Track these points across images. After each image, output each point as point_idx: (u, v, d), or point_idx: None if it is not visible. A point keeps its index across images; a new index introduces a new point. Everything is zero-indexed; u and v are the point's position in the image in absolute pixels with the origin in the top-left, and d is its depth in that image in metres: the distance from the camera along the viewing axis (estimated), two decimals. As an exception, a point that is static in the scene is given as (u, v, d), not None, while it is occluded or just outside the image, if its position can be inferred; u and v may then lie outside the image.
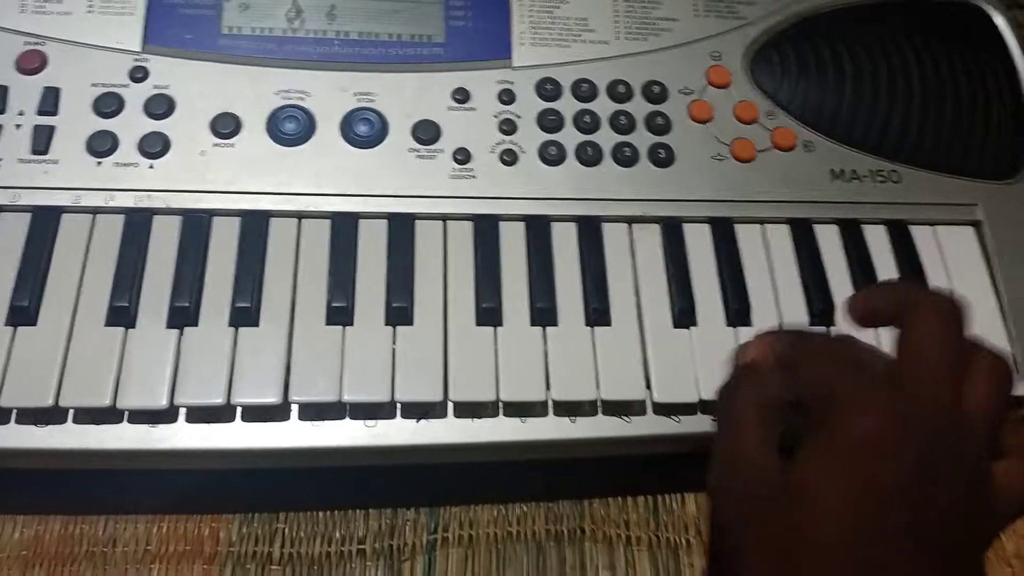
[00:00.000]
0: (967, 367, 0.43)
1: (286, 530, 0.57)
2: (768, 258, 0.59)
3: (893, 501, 0.39)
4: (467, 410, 0.53)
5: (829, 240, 0.60)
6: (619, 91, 0.62)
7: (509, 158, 0.59)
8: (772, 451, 0.43)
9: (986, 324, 0.58)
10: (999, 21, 0.69)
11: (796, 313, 0.57)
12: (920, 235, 0.61)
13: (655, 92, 0.63)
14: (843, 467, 0.40)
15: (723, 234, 0.59)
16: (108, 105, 0.58)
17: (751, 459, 0.43)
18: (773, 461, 0.42)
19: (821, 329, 0.57)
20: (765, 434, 0.43)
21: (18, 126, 0.57)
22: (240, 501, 0.57)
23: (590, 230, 0.58)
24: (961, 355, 0.43)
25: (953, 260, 0.61)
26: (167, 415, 0.51)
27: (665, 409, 0.54)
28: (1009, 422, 0.44)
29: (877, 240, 0.61)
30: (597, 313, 0.55)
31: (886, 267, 0.60)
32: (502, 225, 0.58)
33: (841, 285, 0.58)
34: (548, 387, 0.53)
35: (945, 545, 0.39)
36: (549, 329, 0.55)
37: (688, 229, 0.59)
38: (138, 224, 0.55)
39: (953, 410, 0.41)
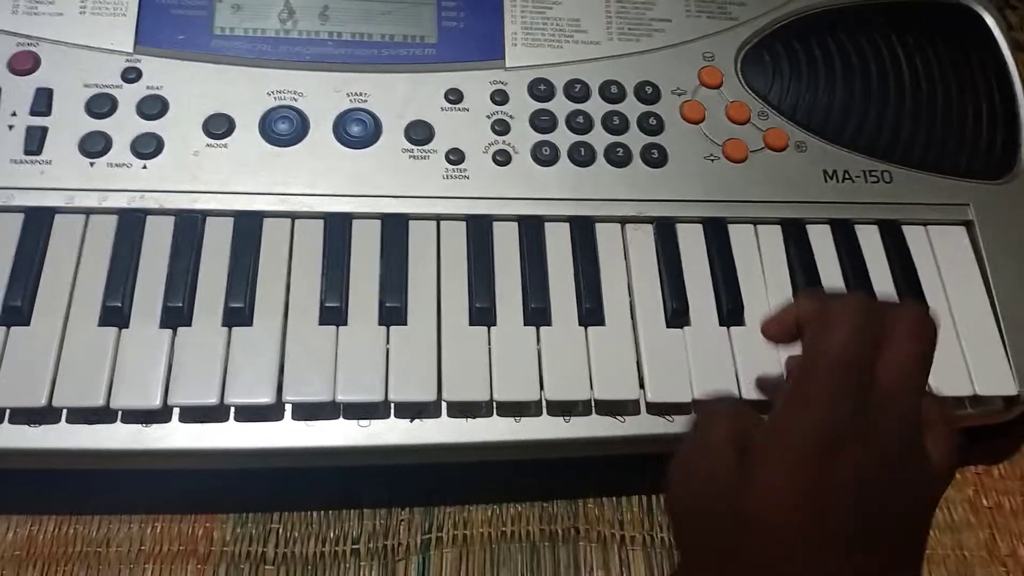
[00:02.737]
0: (883, 335, 0.41)
1: (280, 530, 0.56)
2: (761, 258, 0.59)
3: (846, 499, 0.39)
4: (461, 410, 0.53)
5: (821, 240, 0.60)
6: (612, 92, 0.63)
7: (502, 158, 0.60)
8: (739, 447, 0.42)
9: (978, 322, 0.59)
10: (990, 21, 0.69)
11: (789, 312, 0.57)
12: (912, 235, 0.62)
13: (648, 93, 0.63)
14: (791, 467, 0.39)
15: (716, 234, 0.59)
16: (101, 106, 0.58)
17: (717, 451, 0.43)
18: (738, 457, 0.42)
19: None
20: (737, 430, 0.43)
21: (11, 127, 0.57)
22: (234, 501, 0.57)
23: (583, 230, 0.59)
24: (870, 333, 0.42)
25: (945, 260, 0.61)
26: (160, 415, 0.51)
27: (659, 409, 0.54)
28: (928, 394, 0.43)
29: (869, 240, 0.61)
30: (590, 313, 0.56)
31: (878, 267, 0.60)
32: (495, 225, 0.58)
33: (834, 285, 0.59)
34: (542, 387, 0.53)
35: (889, 540, 0.40)
36: (543, 329, 0.55)
37: (681, 229, 0.60)
38: (131, 224, 0.55)
39: (868, 398, 0.40)
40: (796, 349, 0.44)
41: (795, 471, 0.39)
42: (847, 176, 0.62)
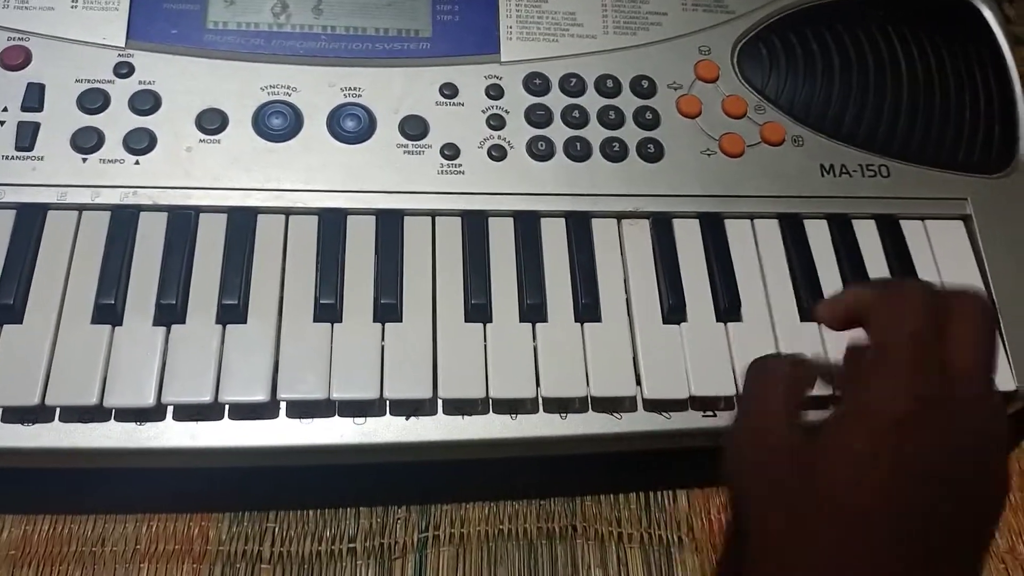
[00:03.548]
0: (947, 322, 0.42)
1: (276, 529, 0.56)
2: (758, 253, 0.59)
3: (916, 486, 0.39)
4: (457, 407, 0.53)
5: (819, 235, 0.60)
6: (607, 86, 0.62)
7: (497, 153, 0.59)
8: (796, 412, 0.43)
9: (976, 318, 0.58)
10: (988, 15, 0.68)
11: (786, 308, 0.57)
12: (910, 229, 0.61)
13: (643, 87, 0.62)
14: (868, 444, 0.39)
15: (713, 229, 0.59)
16: (93, 101, 0.57)
17: (775, 423, 0.42)
18: (796, 428, 0.42)
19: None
20: (792, 396, 0.43)
21: (2, 123, 0.56)
22: (230, 500, 0.57)
23: (579, 226, 0.58)
24: (935, 318, 0.42)
25: (942, 254, 0.61)
26: (154, 413, 0.50)
27: (655, 405, 0.54)
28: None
29: (867, 235, 0.61)
30: (587, 309, 0.55)
31: (876, 262, 0.60)
32: (491, 221, 0.58)
33: (831, 280, 0.58)
34: (538, 384, 0.53)
35: (969, 515, 0.39)
36: (539, 325, 0.54)
37: (678, 224, 0.59)
38: (124, 221, 0.55)
39: (942, 383, 0.40)
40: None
41: (877, 446, 0.39)
42: (844, 170, 0.62)
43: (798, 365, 0.46)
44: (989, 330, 0.43)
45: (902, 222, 0.61)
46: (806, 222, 0.60)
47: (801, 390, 0.44)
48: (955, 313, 0.42)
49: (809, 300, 0.57)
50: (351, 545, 0.56)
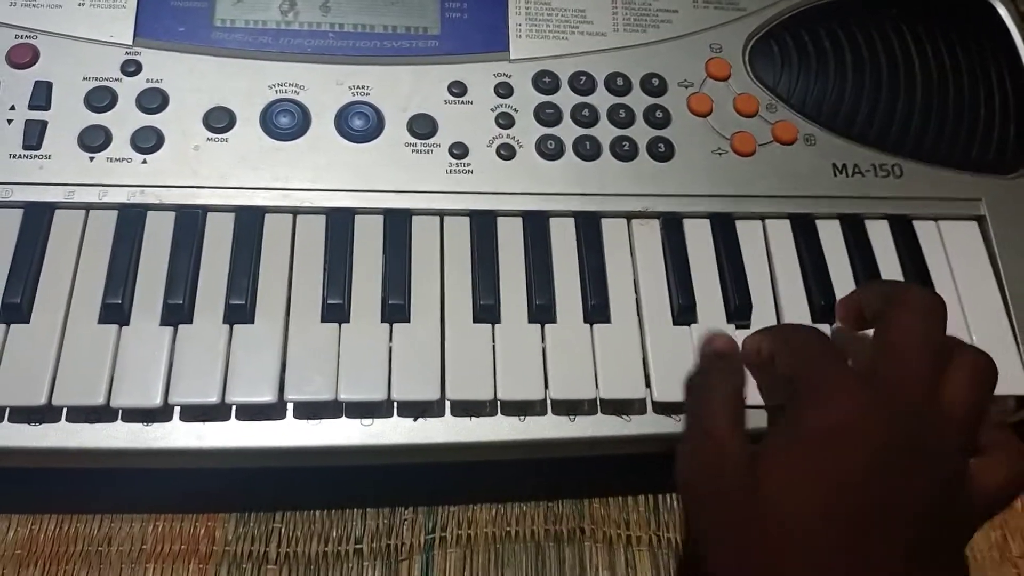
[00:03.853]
0: (949, 362, 0.43)
1: (282, 529, 0.56)
2: (769, 254, 0.58)
3: (855, 494, 0.39)
4: (465, 409, 0.52)
5: (831, 235, 0.59)
6: (617, 84, 0.62)
7: (507, 152, 0.59)
8: (740, 438, 0.44)
9: (990, 319, 0.58)
10: (1003, 12, 0.68)
11: (798, 309, 0.57)
12: (923, 230, 0.61)
13: (654, 85, 0.62)
14: (803, 457, 0.40)
15: (724, 229, 0.59)
16: (100, 99, 0.57)
17: (720, 442, 0.44)
18: (741, 449, 0.43)
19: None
20: (734, 421, 0.45)
21: (9, 121, 0.56)
22: (236, 500, 0.56)
23: (589, 226, 0.58)
24: (942, 350, 0.44)
25: (956, 255, 0.60)
26: (161, 414, 0.50)
27: (665, 408, 0.53)
28: (989, 420, 0.44)
29: (880, 235, 0.60)
30: (596, 310, 0.55)
31: (889, 262, 0.59)
32: (500, 221, 0.57)
33: (843, 281, 0.58)
34: (547, 386, 0.52)
35: (919, 540, 0.39)
36: (548, 326, 0.54)
37: (688, 224, 0.59)
38: (131, 220, 0.54)
39: (928, 404, 0.42)
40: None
41: (825, 489, 0.39)
42: (857, 170, 0.61)
43: (738, 376, 0.47)
44: (987, 389, 0.44)
45: (915, 223, 0.61)
46: (818, 222, 0.60)
47: (743, 403, 0.46)
48: (963, 363, 0.44)
49: (821, 302, 0.56)
50: (358, 546, 0.56)
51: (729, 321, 0.56)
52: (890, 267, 0.59)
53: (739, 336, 0.55)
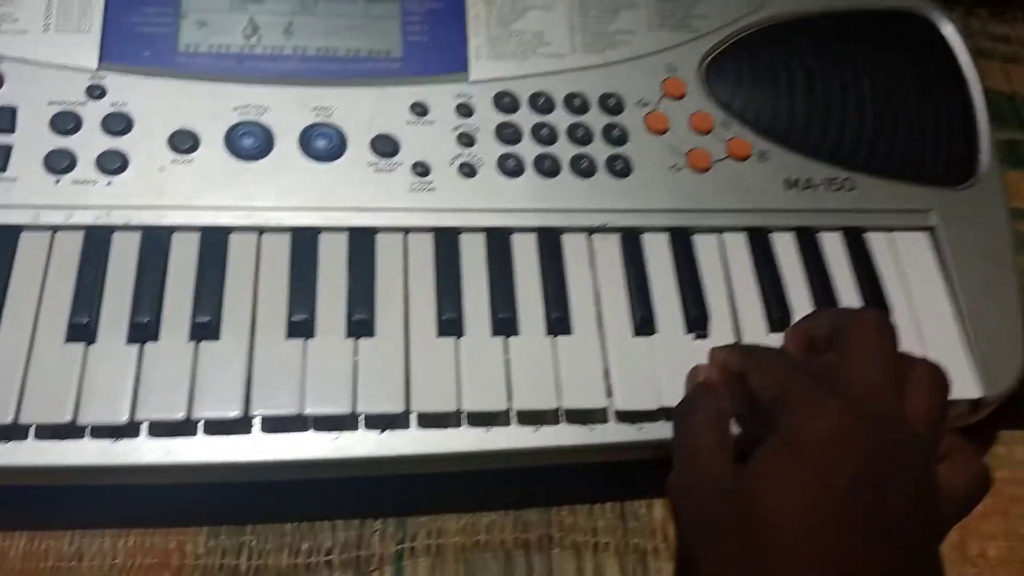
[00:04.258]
0: (905, 378, 0.45)
1: (253, 542, 0.56)
2: (726, 266, 0.60)
3: (846, 499, 0.40)
4: (430, 421, 0.53)
5: (785, 248, 0.61)
6: (576, 103, 0.63)
7: (468, 171, 0.60)
8: (727, 455, 0.46)
9: (941, 327, 0.59)
10: (947, 30, 0.70)
11: (754, 320, 0.58)
12: (875, 241, 0.62)
13: (612, 104, 0.63)
14: (795, 466, 0.42)
15: (681, 243, 0.60)
16: (66, 123, 0.58)
17: (706, 463, 0.46)
18: (727, 464, 0.45)
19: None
20: (719, 440, 0.47)
21: (-26, 145, 0.56)
22: (206, 514, 0.56)
23: (550, 241, 0.59)
24: (897, 367, 0.46)
25: (908, 265, 0.62)
26: (129, 430, 0.50)
27: (627, 416, 0.54)
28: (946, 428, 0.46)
29: (833, 247, 0.62)
30: (558, 322, 0.56)
31: (842, 273, 0.61)
32: (462, 237, 0.58)
33: (798, 292, 0.59)
34: (510, 396, 0.53)
35: (899, 544, 0.41)
36: (511, 339, 0.55)
37: (647, 239, 0.60)
38: (97, 241, 0.55)
39: (899, 416, 0.44)
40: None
41: (815, 496, 0.41)
42: (810, 184, 0.63)
43: (721, 400, 0.50)
44: (944, 398, 0.46)
45: (868, 234, 0.62)
46: (773, 235, 0.61)
47: (727, 424, 0.48)
48: (919, 375, 0.46)
49: (776, 313, 0.58)
50: (328, 558, 0.56)
51: (688, 332, 0.57)
52: (843, 278, 0.60)
53: (697, 347, 0.56)
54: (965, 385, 0.58)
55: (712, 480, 0.45)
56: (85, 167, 0.57)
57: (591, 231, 0.60)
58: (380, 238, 0.57)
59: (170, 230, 0.56)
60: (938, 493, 0.44)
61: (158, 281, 0.54)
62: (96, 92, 0.59)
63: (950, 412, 0.57)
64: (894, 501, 0.41)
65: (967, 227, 0.63)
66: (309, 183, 0.58)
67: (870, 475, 0.41)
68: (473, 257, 0.58)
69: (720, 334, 0.57)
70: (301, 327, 0.53)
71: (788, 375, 0.46)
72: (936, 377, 0.47)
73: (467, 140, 0.61)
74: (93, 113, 0.58)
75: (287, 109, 0.60)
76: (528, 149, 0.61)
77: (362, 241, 0.57)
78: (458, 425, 0.53)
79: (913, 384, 0.45)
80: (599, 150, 0.62)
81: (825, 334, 0.50)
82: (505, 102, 0.62)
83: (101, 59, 0.60)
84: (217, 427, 0.51)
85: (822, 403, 0.42)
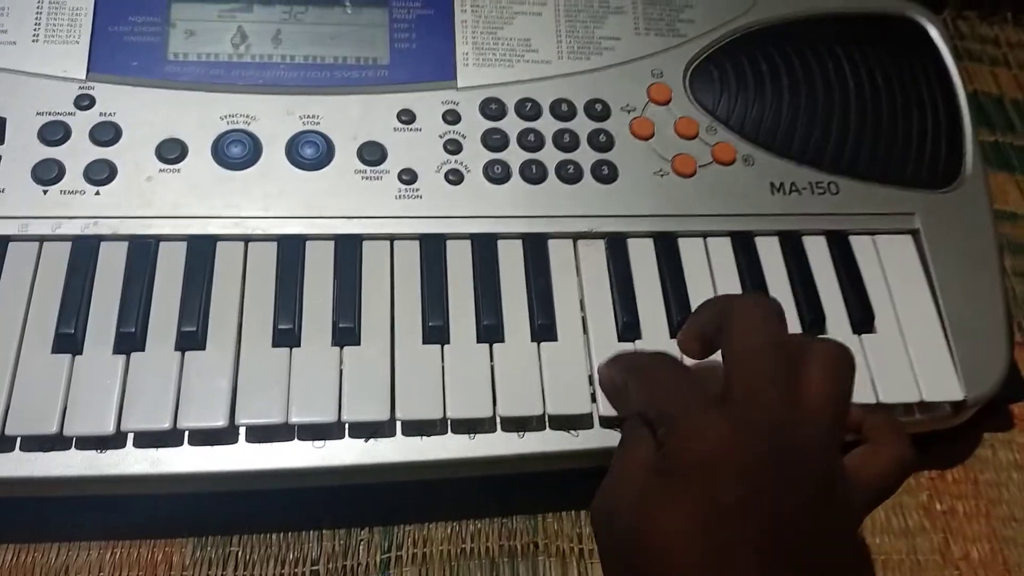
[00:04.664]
0: (800, 361, 0.43)
1: (239, 553, 0.57)
2: (710, 271, 0.60)
3: (736, 519, 0.39)
4: (415, 428, 0.53)
5: (770, 251, 0.61)
6: (562, 110, 0.63)
7: (455, 177, 0.60)
8: (650, 473, 0.43)
9: (924, 330, 0.60)
10: (933, 33, 0.70)
11: (739, 324, 0.58)
12: (859, 244, 0.63)
13: (598, 110, 0.64)
14: (680, 492, 0.40)
15: (666, 248, 0.60)
16: (54, 133, 0.58)
17: (632, 474, 0.43)
18: (648, 479, 0.43)
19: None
20: (651, 459, 0.44)
21: (-37, 157, 0.57)
22: (193, 525, 0.57)
23: (536, 247, 0.59)
24: (789, 348, 0.44)
25: (892, 269, 0.62)
26: (115, 441, 0.51)
27: (611, 422, 0.54)
28: (864, 410, 0.46)
29: (817, 250, 0.62)
30: (543, 329, 0.56)
31: (826, 277, 0.61)
32: (448, 244, 0.59)
33: (782, 295, 0.59)
34: (495, 403, 0.54)
35: (801, 551, 0.39)
36: (496, 346, 0.55)
37: (632, 244, 0.60)
38: (85, 251, 0.55)
39: (790, 410, 0.42)
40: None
41: (706, 520, 0.39)
42: (794, 188, 0.63)
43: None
44: (845, 378, 0.44)
45: (851, 238, 0.63)
46: (757, 239, 0.62)
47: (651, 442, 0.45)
48: (814, 357, 0.44)
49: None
50: (314, 567, 0.56)
51: (673, 337, 0.57)
52: (827, 281, 0.61)
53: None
54: (948, 387, 0.58)
55: (625, 494, 0.43)
56: (73, 177, 0.57)
57: (577, 237, 0.60)
58: (366, 245, 0.58)
59: (157, 240, 0.56)
60: (851, 480, 0.43)
61: (145, 291, 0.54)
62: (84, 102, 0.60)
63: (933, 413, 0.58)
64: (792, 508, 0.39)
65: (951, 230, 0.63)
66: (296, 191, 0.58)
67: (760, 489, 0.39)
68: (459, 264, 0.58)
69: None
70: (287, 336, 0.54)
71: (667, 392, 0.44)
72: (834, 356, 0.44)
73: (454, 147, 0.61)
74: (81, 123, 0.59)
75: (275, 117, 0.61)
76: (514, 156, 0.62)
77: (348, 249, 0.57)
78: (443, 432, 0.54)
79: (809, 367, 0.43)
80: (585, 156, 0.62)
81: (714, 326, 0.47)
82: (492, 109, 0.63)
83: (90, 69, 0.61)
84: (203, 437, 0.52)
85: (700, 424, 0.41)
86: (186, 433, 0.51)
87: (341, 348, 0.54)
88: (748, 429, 0.40)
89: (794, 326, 0.59)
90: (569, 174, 0.61)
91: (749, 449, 0.40)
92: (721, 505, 0.39)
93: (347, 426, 0.53)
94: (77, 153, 0.58)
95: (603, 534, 0.44)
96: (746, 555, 0.38)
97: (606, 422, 0.54)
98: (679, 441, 0.41)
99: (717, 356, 0.46)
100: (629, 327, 0.57)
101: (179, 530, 0.57)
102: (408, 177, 0.60)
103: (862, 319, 0.59)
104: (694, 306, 0.57)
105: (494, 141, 0.62)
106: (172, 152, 0.58)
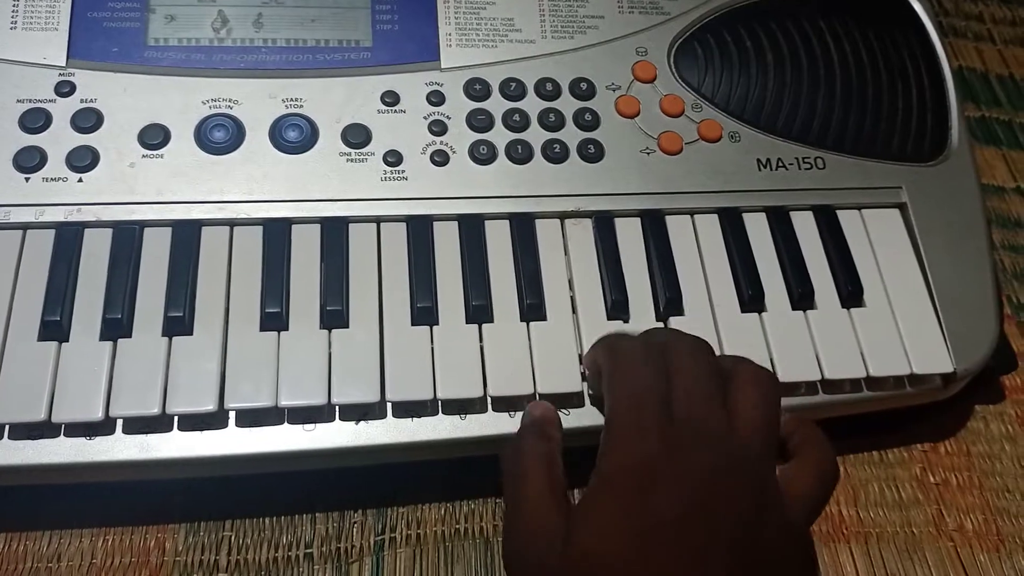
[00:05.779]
0: (729, 384, 0.45)
1: (232, 537, 0.56)
2: (699, 248, 0.60)
3: (674, 533, 0.39)
4: (406, 410, 0.53)
5: (758, 228, 0.61)
6: (547, 89, 0.63)
7: (440, 159, 0.60)
8: (557, 496, 0.43)
9: (913, 303, 0.60)
10: (918, 7, 0.70)
11: (727, 300, 0.58)
12: (847, 219, 0.62)
13: (583, 89, 0.63)
14: (614, 504, 0.40)
15: (654, 226, 0.60)
16: (35, 121, 0.57)
17: (533, 515, 0.43)
18: (558, 505, 0.43)
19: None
20: (548, 481, 0.44)
21: (-56, 145, 0.56)
22: (185, 510, 0.57)
23: (523, 227, 0.59)
24: (720, 374, 0.45)
25: (879, 242, 0.62)
26: (104, 427, 0.50)
27: (601, 401, 0.54)
28: (792, 424, 0.46)
29: (805, 226, 0.62)
30: (532, 308, 0.56)
31: (814, 252, 0.61)
32: (435, 225, 0.58)
33: (771, 271, 0.59)
34: (485, 383, 0.53)
35: (742, 563, 0.39)
36: (485, 326, 0.55)
37: (619, 223, 0.60)
38: (69, 238, 0.55)
39: (722, 426, 0.43)
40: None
41: (640, 535, 0.39)
42: (781, 164, 0.63)
43: (552, 442, 0.48)
44: (771, 399, 0.45)
45: (839, 212, 0.63)
46: (745, 216, 0.61)
47: (558, 466, 0.46)
48: (738, 377, 0.45)
49: (749, 292, 0.58)
50: (308, 551, 0.56)
51: (661, 315, 0.57)
52: (815, 256, 0.61)
53: (675, 324, 0.57)
54: (938, 360, 0.58)
55: (539, 528, 0.42)
56: (55, 164, 0.57)
57: (564, 216, 0.60)
58: (353, 228, 0.57)
59: (142, 225, 0.56)
60: (787, 496, 0.43)
61: (130, 277, 0.54)
62: (65, 89, 0.59)
63: (923, 386, 0.58)
64: (730, 524, 0.39)
65: (938, 203, 0.63)
66: (281, 175, 0.58)
67: (697, 503, 0.39)
68: (446, 245, 0.58)
69: (695, 314, 0.57)
70: (274, 319, 0.53)
71: (627, 403, 0.44)
72: (762, 380, 0.45)
73: (439, 128, 0.61)
74: (62, 110, 0.58)
75: (257, 101, 0.60)
76: (500, 136, 0.61)
77: (335, 231, 0.57)
78: (434, 413, 0.53)
79: (737, 391, 0.44)
80: (571, 135, 0.62)
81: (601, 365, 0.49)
82: (476, 89, 0.62)
83: (70, 56, 0.60)
84: (192, 422, 0.51)
85: (635, 434, 0.42)
86: (175, 418, 0.51)
87: (329, 331, 0.54)
88: (686, 448, 0.41)
89: (784, 302, 0.59)
90: (555, 153, 0.61)
91: (682, 464, 0.40)
92: (658, 518, 0.39)
93: (337, 408, 0.52)
94: (59, 140, 0.57)
95: (517, 564, 0.43)
96: (686, 570, 0.38)
97: (596, 401, 0.54)
98: (615, 455, 0.42)
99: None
100: (618, 305, 0.57)
101: (171, 516, 0.57)
102: (393, 159, 0.59)
103: (851, 293, 0.59)
104: (683, 282, 0.58)
105: (479, 122, 0.61)
106: (155, 137, 0.58)
